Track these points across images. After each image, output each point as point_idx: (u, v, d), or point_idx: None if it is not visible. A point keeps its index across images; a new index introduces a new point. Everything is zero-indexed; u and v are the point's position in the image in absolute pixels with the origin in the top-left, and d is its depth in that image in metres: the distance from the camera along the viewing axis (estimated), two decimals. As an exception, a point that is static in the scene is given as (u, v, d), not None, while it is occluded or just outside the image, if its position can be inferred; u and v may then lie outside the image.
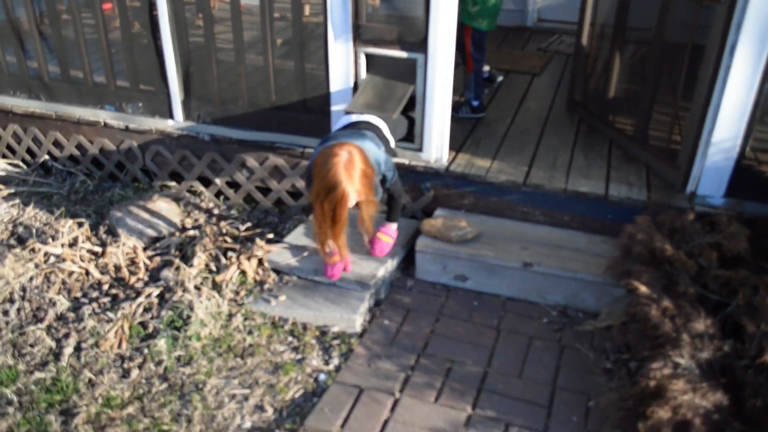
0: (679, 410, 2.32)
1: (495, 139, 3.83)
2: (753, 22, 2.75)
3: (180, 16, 3.63)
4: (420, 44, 3.24)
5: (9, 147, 4.46)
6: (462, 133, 3.89)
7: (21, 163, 4.43)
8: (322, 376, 2.84)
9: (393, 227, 3.33)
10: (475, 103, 4.13)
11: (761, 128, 3.09)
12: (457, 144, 3.73)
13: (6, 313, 3.22)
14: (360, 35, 3.33)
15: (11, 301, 3.28)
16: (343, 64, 3.40)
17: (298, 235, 3.50)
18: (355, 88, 3.46)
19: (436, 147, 3.47)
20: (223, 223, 3.73)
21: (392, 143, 3.29)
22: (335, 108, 3.52)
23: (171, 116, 3.91)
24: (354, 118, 3.20)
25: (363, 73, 3.44)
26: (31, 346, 3.04)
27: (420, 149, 3.49)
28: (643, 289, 2.63)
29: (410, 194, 3.59)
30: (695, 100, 3.08)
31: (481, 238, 3.32)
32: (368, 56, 3.39)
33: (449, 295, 3.31)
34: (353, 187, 2.69)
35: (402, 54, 3.31)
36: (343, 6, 3.26)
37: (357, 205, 2.85)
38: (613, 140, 3.75)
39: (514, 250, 3.23)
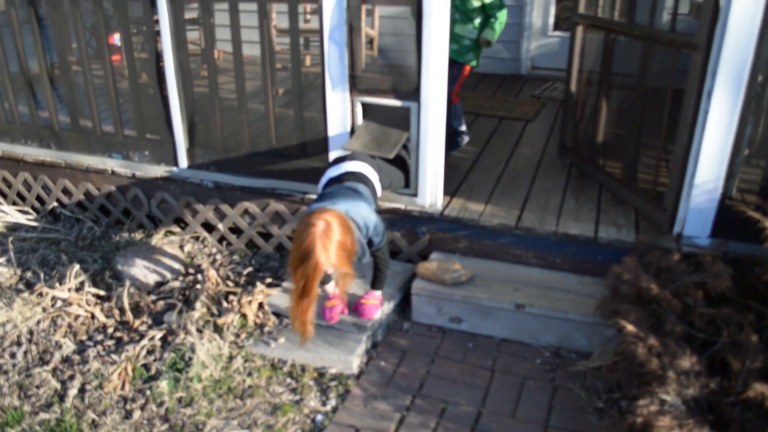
0: (666, 447, 2.38)
1: (488, 184, 3.95)
2: (727, 69, 2.88)
3: (185, 67, 3.80)
4: (413, 93, 3.38)
5: (19, 194, 4.61)
6: (457, 178, 4.01)
7: (31, 210, 4.57)
8: (319, 417, 2.91)
9: (377, 294, 3.34)
10: (463, 128, 4.38)
11: (746, 169, 3.20)
12: (452, 189, 3.85)
13: (13, 355, 3.31)
14: (356, 85, 3.49)
15: (18, 344, 3.38)
16: (340, 112, 3.55)
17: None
18: (352, 135, 3.60)
19: (431, 192, 3.59)
20: (225, 268, 3.84)
21: (378, 192, 3.30)
22: (333, 155, 3.65)
23: (176, 164, 4.05)
24: (348, 167, 3.23)
25: (359, 121, 3.58)
26: (37, 387, 3.12)
27: (415, 194, 3.60)
28: (630, 327, 2.71)
29: (406, 238, 3.69)
30: (677, 143, 3.20)
31: (475, 280, 3.41)
32: (364, 105, 3.54)
33: (444, 337, 3.38)
34: (327, 260, 2.64)
35: (396, 103, 3.46)
36: (340, 57, 3.42)
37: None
38: (603, 184, 3.87)
39: (506, 292, 3.32)
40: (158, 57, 3.81)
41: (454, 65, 4.21)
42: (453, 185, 3.91)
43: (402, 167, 3.55)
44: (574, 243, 3.42)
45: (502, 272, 3.48)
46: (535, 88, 5.78)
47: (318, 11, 3.38)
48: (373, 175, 3.25)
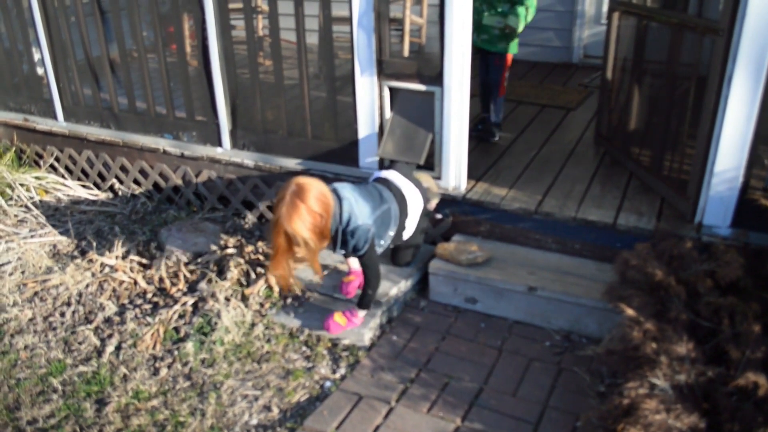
0: (650, 429, 2.39)
1: (516, 169, 3.99)
2: (747, 53, 2.83)
3: (229, 53, 4.03)
4: (436, 78, 3.47)
5: (83, 171, 5.00)
6: (486, 162, 4.07)
7: (92, 186, 4.95)
8: (327, 384, 3.07)
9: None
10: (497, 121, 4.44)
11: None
12: (478, 173, 3.91)
13: (63, 314, 3.64)
14: (383, 70, 3.61)
15: (68, 304, 3.71)
16: (369, 96, 3.68)
17: (323, 255, 3.75)
18: (381, 118, 3.72)
19: (454, 175, 3.67)
20: (260, 243, 4.05)
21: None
22: (362, 137, 3.79)
23: (220, 144, 4.30)
24: (391, 176, 3.34)
25: (387, 105, 3.70)
26: (80, 343, 3.43)
27: (439, 177, 3.69)
28: (629, 311, 2.72)
29: (430, 220, 3.79)
30: (700, 130, 3.15)
31: (492, 262, 3.48)
32: (391, 89, 3.66)
33: (459, 317, 3.47)
34: (287, 219, 2.74)
35: (421, 87, 3.56)
36: (368, 43, 3.55)
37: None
38: (633, 172, 3.83)
39: (521, 275, 3.37)
40: (205, 44, 4.05)
41: (495, 56, 4.26)
42: (481, 170, 3.97)
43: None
44: (592, 229, 3.43)
45: (520, 256, 3.52)
46: (584, 77, 5.71)
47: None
48: (412, 197, 3.33)
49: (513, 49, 4.25)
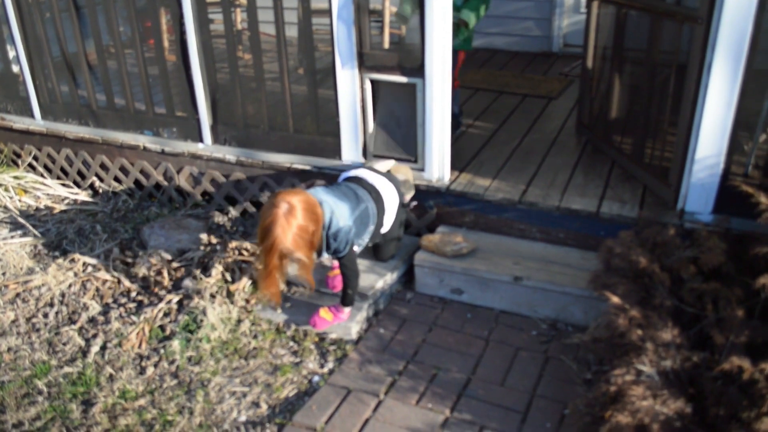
0: (637, 415, 2.42)
1: (499, 160, 3.99)
2: (726, 41, 2.85)
3: (208, 48, 3.99)
4: (418, 70, 3.46)
5: (62, 169, 4.93)
6: (468, 153, 4.07)
7: (72, 184, 4.88)
8: (315, 378, 3.06)
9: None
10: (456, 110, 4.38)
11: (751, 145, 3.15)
12: (462, 164, 3.92)
13: (46, 315, 3.60)
14: (364, 62, 3.59)
15: (51, 304, 3.66)
16: (350, 89, 3.66)
17: (309, 249, 3.74)
18: (363, 111, 3.70)
19: (438, 166, 3.67)
20: (243, 239, 4.03)
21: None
22: (344, 129, 3.78)
23: (201, 140, 4.26)
24: (363, 174, 3.34)
25: (369, 98, 3.68)
26: (64, 344, 3.39)
27: (422, 169, 3.69)
28: (615, 299, 2.74)
29: (415, 212, 3.79)
30: (681, 118, 3.18)
31: (477, 253, 3.49)
32: (372, 81, 3.64)
33: (445, 308, 3.47)
34: (284, 240, 2.72)
35: (402, 79, 3.55)
36: (348, 35, 3.53)
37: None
38: (615, 160, 3.86)
39: (506, 265, 3.38)
40: (183, 38, 4.00)
41: None
42: (464, 161, 3.98)
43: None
44: (576, 218, 3.44)
45: (505, 246, 3.54)
46: (565, 66, 5.73)
47: (327, -9, 3.50)
48: (387, 193, 3.32)
49: (465, 45, 4.16)
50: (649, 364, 2.56)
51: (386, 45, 3.95)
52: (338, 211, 2.99)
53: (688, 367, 2.60)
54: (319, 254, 3.05)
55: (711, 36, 2.91)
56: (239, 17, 5.36)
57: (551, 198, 3.54)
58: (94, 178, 4.77)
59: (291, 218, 2.73)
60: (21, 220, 4.40)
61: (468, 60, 6.00)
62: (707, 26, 2.93)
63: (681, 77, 3.20)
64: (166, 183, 4.50)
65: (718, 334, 2.65)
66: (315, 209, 2.85)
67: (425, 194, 3.72)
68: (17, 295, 3.78)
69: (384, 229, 3.36)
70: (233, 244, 3.88)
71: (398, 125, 3.71)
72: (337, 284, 3.41)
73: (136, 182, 4.66)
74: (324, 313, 3.26)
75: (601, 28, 3.90)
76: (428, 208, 3.74)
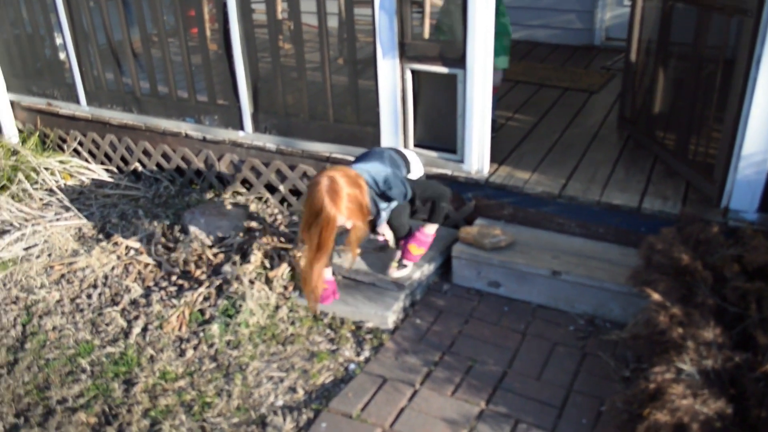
0: (677, 414, 2.39)
1: (539, 153, 3.96)
2: (778, 36, 2.79)
3: (250, 37, 4.03)
4: (459, 60, 3.45)
5: (106, 155, 5.04)
6: (508, 146, 4.05)
7: (115, 170, 4.99)
8: (352, 366, 3.09)
9: (428, 230, 3.34)
10: None
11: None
12: (501, 157, 3.90)
13: (89, 296, 3.69)
14: (405, 53, 3.59)
15: (95, 286, 3.75)
16: (391, 79, 3.66)
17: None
18: (403, 101, 3.71)
19: (477, 158, 3.66)
20: (282, 227, 4.08)
21: (415, 171, 3.34)
22: (384, 119, 3.78)
23: (242, 128, 4.31)
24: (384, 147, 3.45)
25: (409, 88, 3.68)
26: (107, 325, 3.48)
27: (461, 161, 3.69)
28: (655, 296, 2.71)
29: (452, 204, 3.78)
30: (727, 113, 3.12)
31: (515, 246, 3.47)
32: (413, 72, 3.64)
33: (482, 300, 3.47)
34: (338, 212, 2.80)
35: (443, 69, 3.54)
36: (390, 26, 3.53)
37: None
38: (658, 155, 3.80)
39: (545, 259, 3.36)
40: (227, 28, 4.05)
41: None
42: (504, 153, 3.96)
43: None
44: (617, 213, 3.41)
45: (544, 240, 3.52)
46: (607, 59, 5.65)
47: (370, -19, 3.50)
48: (412, 157, 3.38)
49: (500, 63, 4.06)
50: (690, 363, 2.52)
51: (426, 35, 3.94)
52: (373, 170, 3.07)
53: (730, 367, 2.56)
54: (374, 227, 3.13)
55: (761, 29, 2.85)
56: (280, 7, 5.39)
57: (592, 192, 3.51)
58: (137, 164, 4.86)
59: (337, 189, 2.80)
60: (67, 203, 4.51)
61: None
62: (757, 19, 2.87)
63: (728, 72, 3.14)
64: (206, 170, 4.57)
65: (761, 334, 2.60)
66: (355, 177, 2.91)
67: (464, 186, 3.72)
68: (62, 275, 3.88)
69: (414, 175, 3.34)
70: (272, 231, 3.93)
71: (438, 116, 3.70)
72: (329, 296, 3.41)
73: (178, 169, 4.74)
74: (413, 248, 3.36)
75: (646, 21, 3.84)
76: (467, 200, 3.74)
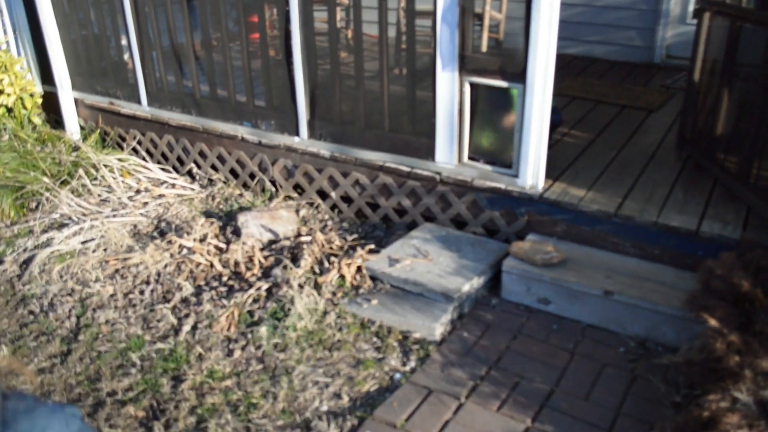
0: (732, 444, 2.32)
1: (595, 171, 3.91)
2: None
3: (310, 44, 4.08)
4: (519, 75, 3.44)
5: (163, 154, 5.16)
6: (563, 162, 4.01)
7: (171, 169, 5.10)
8: (397, 375, 3.09)
9: None
10: None
11: None
12: (555, 173, 3.86)
13: (142, 292, 3.77)
14: (465, 65, 3.59)
15: (147, 282, 3.84)
16: (449, 91, 3.67)
17: (396, 248, 3.77)
18: (459, 114, 3.71)
19: (532, 174, 3.63)
20: (332, 233, 4.11)
21: None
22: (439, 131, 3.79)
23: (297, 134, 4.37)
24: None
25: (467, 101, 3.68)
26: (158, 321, 3.55)
27: (516, 175, 3.66)
28: (713, 322, 2.64)
29: (504, 218, 3.76)
30: (795, 140, 3.03)
31: (567, 264, 3.43)
32: (472, 85, 3.64)
33: (530, 317, 3.43)
34: None
35: (503, 84, 3.53)
36: (451, 38, 3.54)
37: None
38: (718, 178, 3.71)
39: (597, 278, 3.31)
40: (287, 35, 4.12)
41: None
42: (558, 170, 3.92)
43: None
44: (674, 235, 3.34)
45: (597, 259, 3.46)
46: (667, 78, 5.55)
47: (432, -7, 3.52)
48: None
49: None
50: (747, 393, 2.45)
51: (484, 48, 3.94)
52: None
53: (789, 399, 2.48)
54: None
55: (836, 54, 2.77)
56: (339, 16, 5.46)
57: (648, 213, 3.44)
58: (192, 165, 4.97)
59: None
60: (124, 199, 4.63)
61: (565, 67, 5.93)
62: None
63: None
64: (260, 173, 4.64)
65: (824, 367, 2.52)
66: None
67: (517, 201, 3.69)
68: (116, 271, 3.98)
69: None
70: (323, 237, 3.96)
71: (495, 130, 3.69)
72: None
73: (232, 171, 4.83)
74: None
75: (712, 41, 3.76)
76: (519, 215, 3.71)
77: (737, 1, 3.63)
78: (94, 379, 3.25)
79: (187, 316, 3.55)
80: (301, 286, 3.58)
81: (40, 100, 5.73)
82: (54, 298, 3.84)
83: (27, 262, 4.14)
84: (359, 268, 3.69)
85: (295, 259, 3.83)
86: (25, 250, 4.25)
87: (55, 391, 3.21)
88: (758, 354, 2.53)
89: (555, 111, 3.70)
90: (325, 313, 3.47)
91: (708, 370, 2.62)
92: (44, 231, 4.41)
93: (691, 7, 5.72)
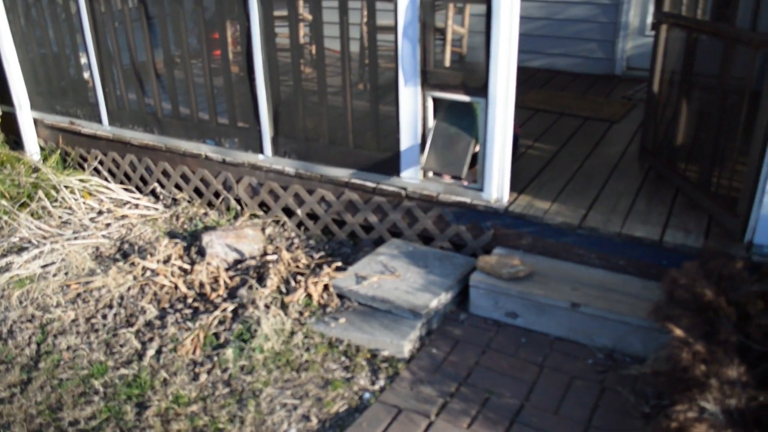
0: (700, 454, 2.33)
1: (559, 183, 3.93)
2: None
3: (273, 60, 4.05)
4: (481, 89, 3.45)
5: (126, 174, 5.07)
6: (528, 175, 4.03)
7: (134, 189, 5.01)
8: (366, 395, 3.05)
9: None
10: None
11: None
12: (520, 186, 3.87)
13: (105, 316, 3.69)
14: (427, 80, 3.59)
15: (110, 306, 3.75)
16: (412, 106, 3.66)
17: (363, 265, 3.74)
18: (423, 128, 3.71)
19: (497, 187, 3.63)
20: (299, 251, 4.07)
21: None
22: (404, 147, 3.78)
23: (262, 151, 4.32)
24: None
25: (430, 116, 3.68)
26: (121, 346, 3.46)
27: (481, 189, 3.66)
28: (678, 332, 2.65)
29: (471, 232, 3.76)
30: (752, 147, 3.08)
31: (534, 277, 3.43)
32: (435, 99, 3.64)
33: (499, 331, 3.42)
34: None
35: (465, 98, 3.53)
36: (413, 53, 3.54)
37: None
38: (679, 188, 3.76)
39: (564, 290, 3.32)
40: (249, 51, 4.08)
41: None
42: (523, 182, 3.93)
43: None
44: (638, 246, 3.36)
45: (563, 271, 3.47)
46: (628, 89, 5.63)
47: (393, 9, 3.51)
48: None
49: None
50: (713, 402, 2.47)
51: (447, 63, 3.95)
52: None
53: (754, 406, 2.50)
54: None
55: (789, 64, 2.83)
56: (302, 32, 5.43)
57: (612, 224, 3.47)
58: (156, 184, 4.89)
59: None
60: (85, 221, 4.53)
61: (529, 80, 5.98)
62: (785, 54, 2.85)
63: (753, 104, 3.10)
64: (225, 192, 4.58)
65: (787, 374, 2.55)
66: None
67: (483, 215, 3.69)
68: (78, 295, 3.89)
69: None
70: (289, 255, 3.92)
71: (458, 144, 3.69)
72: None
73: (196, 190, 4.76)
74: None
75: (669, 52, 3.82)
76: (485, 228, 3.71)
77: (693, 13, 3.69)
78: (56, 408, 3.15)
79: (151, 340, 3.48)
80: (267, 306, 3.53)
81: (-2, 121, 5.62)
82: (13, 324, 3.73)
83: (-16, 289, 4.03)
84: (326, 287, 3.65)
85: (261, 279, 3.78)
86: (-18, 276, 4.13)
87: (15, 422, 3.10)
88: (723, 363, 2.55)
89: None
90: (293, 333, 3.42)
91: (675, 380, 2.63)
92: (3, 255, 4.29)
93: (649, 20, 5.83)
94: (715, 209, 3.45)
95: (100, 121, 5.02)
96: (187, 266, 3.97)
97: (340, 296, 3.61)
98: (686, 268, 2.97)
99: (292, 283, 3.69)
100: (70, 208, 4.73)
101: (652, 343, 3.09)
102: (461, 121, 3.64)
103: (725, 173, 3.45)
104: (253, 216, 4.52)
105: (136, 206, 4.79)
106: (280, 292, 3.66)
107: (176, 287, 3.83)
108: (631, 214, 3.56)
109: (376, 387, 3.09)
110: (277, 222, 4.44)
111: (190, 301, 3.73)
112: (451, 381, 3.09)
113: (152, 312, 3.66)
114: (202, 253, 4.07)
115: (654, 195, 3.76)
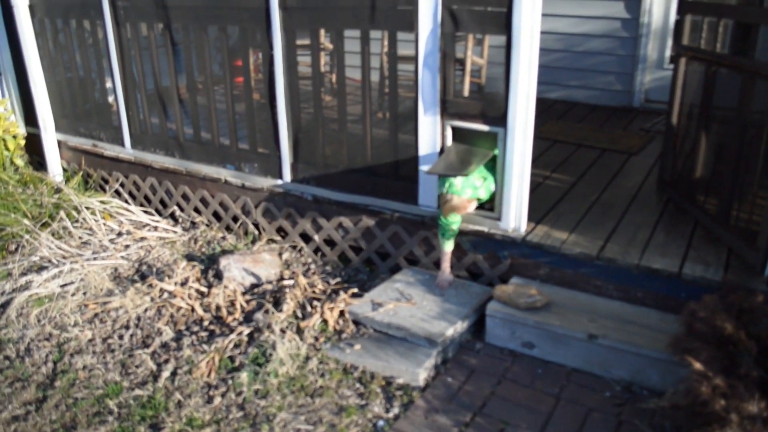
0: (720, 491, 2.29)
1: (577, 213, 3.93)
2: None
3: (294, 88, 4.11)
4: (500, 119, 3.47)
5: (146, 197, 5.13)
6: (545, 205, 4.03)
7: (154, 212, 5.07)
8: (380, 423, 3.03)
9: None
10: None
11: None
12: (538, 216, 3.87)
13: (121, 337, 3.71)
14: (447, 109, 3.63)
15: (127, 327, 3.77)
16: (431, 135, 3.70)
17: (379, 292, 3.75)
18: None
19: (515, 216, 3.64)
20: (315, 277, 4.08)
21: None
22: (423, 176, 3.80)
23: (281, 176, 4.37)
24: None
25: (449, 144, 3.70)
26: (137, 367, 3.48)
27: (499, 218, 3.67)
28: (697, 365, 2.62)
29: (487, 261, 3.75)
30: (773, 182, 3.07)
31: (551, 307, 3.42)
32: (453, 128, 3.67)
33: (515, 361, 3.40)
34: None
35: (484, 127, 3.56)
36: (433, 82, 3.58)
37: None
38: (699, 220, 3.74)
39: (581, 321, 3.29)
40: (272, 78, 4.15)
41: None
42: (541, 212, 3.93)
43: None
44: (656, 278, 3.34)
45: (580, 302, 3.45)
46: (646, 122, 5.64)
47: (414, 39, 3.57)
48: None
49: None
50: (734, 438, 2.43)
51: (466, 93, 3.99)
52: None
53: (776, 444, 2.46)
54: None
55: (810, 99, 2.83)
56: (323, 60, 5.52)
57: (630, 255, 3.45)
58: (175, 207, 4.94)
59: None
60: (105, 242, 4.58)
61: (547, 111, 6.01)
62: (806, 89, 2.85)
63: (774, 139, 3.10)
64: (243, 216, 4.62)
65: (810, 411, 2.50)
66: None
67: (500, 244, 3.69)
68: (96, 315, 3.92)
69: None
70: (305, 280, 3.93)
71: (470, 156, 3.69)
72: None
73: (215, 214, 4.80)
74: None
75: (688, 85, 3.84)
76: (502, 258, 3.71)
77: (712, 46, 3.71)
78: (70, 427, 3.16)
79: (166, 361, 3.49)
80: (283, 331, 3.53)
81: (23, 142, 5.71)
82: (31, 342, 3.76)
83: (4, 306, 4.06)
84: (342, 313, 3.66)
85: (278, 303, 3.79)
86: (2, 294, 4.18)
87: (29, 440, 3.12)
88: (744, 398, 2.52)
89: None
90: (308, 358, 3.42)
91: (694, 414, 2.60)
92: (23, 274, 4.34)
93: (668, 53, 5.86)
94: (734, 242, 3.43)
95: (122, 144, 5.10)
96: (204, 289, 4.00)
97: (356, 323, 3.61)
98: (706, 301, 2.95)
99: (308, 309, 3.70)
100: (91, 228, 4.78)
101: (670, 376, 3.06)
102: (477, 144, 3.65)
103: (745, 206, 3.43)
104: (271, 241, 4.54)
105: (155, 228, 4.84)
106: (296, 317, 3.66)
107: (193, 310, 3.85)
108: (649, 246, 3.54)
109: (391, 415, 3.08)
110: (294, 247, 4.46)
111: (206, 323, 3.75)
112: (466, 411, 3.07)
113: (168, 334, 3.67)
114: (219, 276, 4.09)
115: (673, 227, 3.75)
